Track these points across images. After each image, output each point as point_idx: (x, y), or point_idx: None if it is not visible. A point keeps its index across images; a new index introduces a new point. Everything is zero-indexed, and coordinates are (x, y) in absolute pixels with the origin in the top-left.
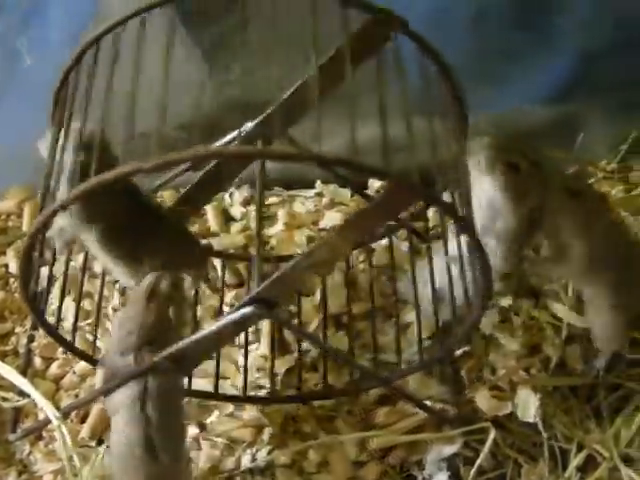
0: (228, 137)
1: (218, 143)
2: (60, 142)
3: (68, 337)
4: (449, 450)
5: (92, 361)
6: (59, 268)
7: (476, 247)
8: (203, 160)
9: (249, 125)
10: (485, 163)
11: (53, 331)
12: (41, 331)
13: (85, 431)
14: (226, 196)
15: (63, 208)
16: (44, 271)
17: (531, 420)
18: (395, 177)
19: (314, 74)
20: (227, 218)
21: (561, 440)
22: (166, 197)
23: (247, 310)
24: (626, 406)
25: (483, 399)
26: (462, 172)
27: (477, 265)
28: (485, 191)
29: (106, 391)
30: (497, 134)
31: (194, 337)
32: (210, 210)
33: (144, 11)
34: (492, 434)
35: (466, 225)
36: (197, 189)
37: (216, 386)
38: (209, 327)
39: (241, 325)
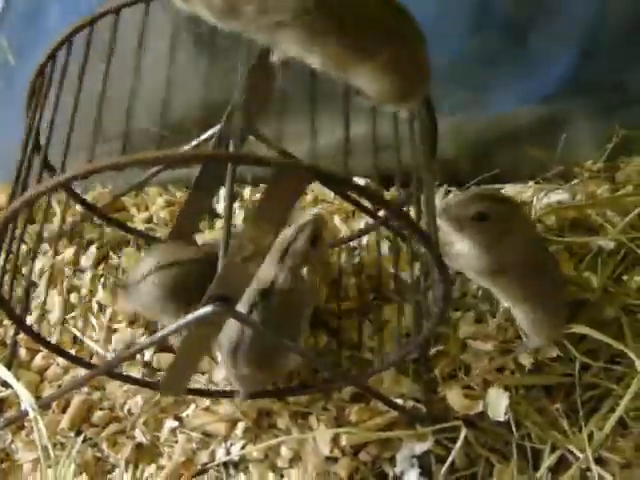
0: (204, 135)
1: (194, 142)
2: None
3: (53, 330)
4: (420, 448)
5: (65, 354)
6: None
7: (425, 244)
8: (172, 163)
9: (219, 125)
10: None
11: (26, 327)
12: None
13: (65, 422)
14: None
15: (13, 217)
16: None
17: (501, 419)
18: (274, 163)
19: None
20: (213, 215)
21: (534, 440)
22: (152, 194)
23: (206, 309)
24: (601, 406)
25: (455, 398)
26: (426, 177)
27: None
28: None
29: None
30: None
31: (152, 338)
32: None
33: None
34: (463, 432)
35: (397, 213)
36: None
37: None
38: (168, 327)
39: (209, 325)
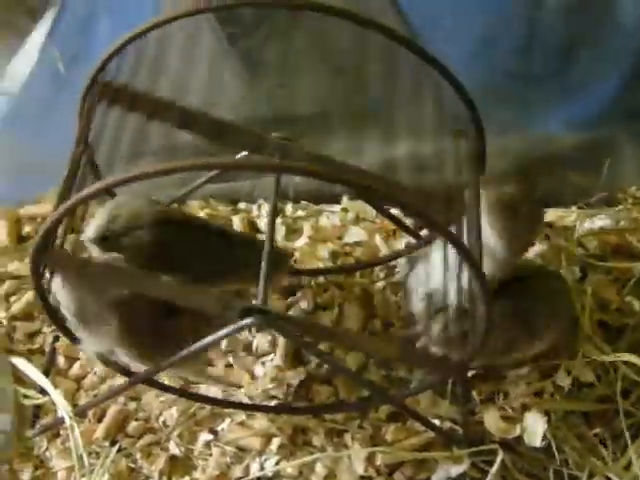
0: None
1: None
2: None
3: None
4: (456, 470)
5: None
6: None
7: (477, 277)
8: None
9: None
10: (485, 203)
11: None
12: None
13: (100, 431)
14: (254, 207)
15: (58, 222)
16: None
17: (538, 444)
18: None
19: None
20: (254, 229)
21: (572, 466)
22: (193, 208)
23: (248, 320)
24: None
25: (492, 421)
26: (472, 198)
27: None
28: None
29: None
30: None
31: (190, 348)
32: (237, 221)
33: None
34: (500, 456)
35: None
36: None
37: None
38: (209, 338)
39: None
